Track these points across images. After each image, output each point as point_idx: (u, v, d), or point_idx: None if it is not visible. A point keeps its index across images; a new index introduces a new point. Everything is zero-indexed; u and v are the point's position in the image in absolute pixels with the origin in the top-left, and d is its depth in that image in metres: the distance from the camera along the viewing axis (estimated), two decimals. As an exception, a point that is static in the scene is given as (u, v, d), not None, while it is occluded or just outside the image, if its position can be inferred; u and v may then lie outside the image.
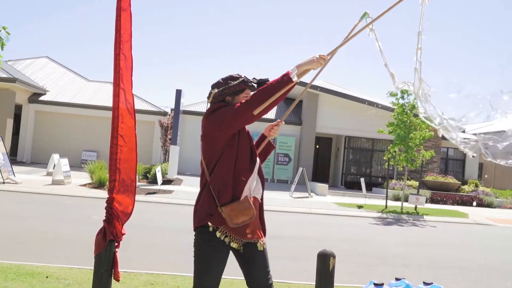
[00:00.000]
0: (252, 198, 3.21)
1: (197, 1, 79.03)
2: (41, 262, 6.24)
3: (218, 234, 3.12)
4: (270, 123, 3.63)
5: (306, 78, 3.56)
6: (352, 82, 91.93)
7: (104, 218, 3.75)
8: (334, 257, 3.89)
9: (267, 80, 3.26)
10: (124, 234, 3.83)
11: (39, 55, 32.77)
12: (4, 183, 15.58)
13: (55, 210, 11.76)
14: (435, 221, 15.78)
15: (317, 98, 25.86)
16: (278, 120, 3.58)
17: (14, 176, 16.55)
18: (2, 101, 22.64)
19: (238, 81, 3.23)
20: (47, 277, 5.43)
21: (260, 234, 3.31)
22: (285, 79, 3.03)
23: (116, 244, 3.72)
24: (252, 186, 3.22)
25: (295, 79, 3.03)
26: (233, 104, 3.17)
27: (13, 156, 24.74)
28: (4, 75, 23.09)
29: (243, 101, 3.13)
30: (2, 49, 4.14)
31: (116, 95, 3.70)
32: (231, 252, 3.26)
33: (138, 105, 26.32)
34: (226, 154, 3.14)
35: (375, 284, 4.03)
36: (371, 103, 24.87)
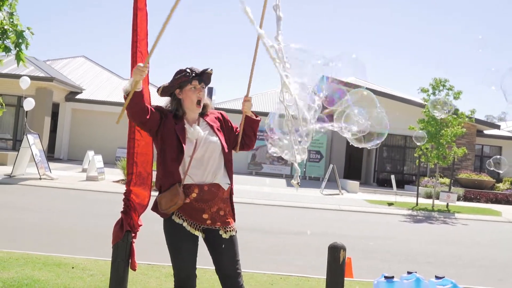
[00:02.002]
0: (207, 185, 3.30)
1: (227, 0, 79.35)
2: (69, 253, 6.48)
3: (174, 217, 3.32)
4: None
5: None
6: (383, 79, 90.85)
7: (122, 209, 3.92)
8: (344, 249, 3.93)
9: (206, 70, 3.39)
10: (141, 225, 3.98)
11: (77, 54, 33.69)
12: (40, 179, 16.09)
13: (86, 205, 12.10)
14: (467, 219, 15.52)
15: (349, 95, 25.72)
16: (244, 95, 3.59)
17: (51, 172, 17.06)
18: (40, 99, 23.28)
19: (182, 74, 3.37)
20: (73, 267, 5.65)
21: (223, 222, 3.34)
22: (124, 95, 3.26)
23: (133, 235, 3.88)
24: (197, 173, 3.30)
25: (123, 94, 3.24)
26: (183, 97, 3.40)
27: (51, 153, 25.48)
28: (42, 74, 23.82)
29: (190, 93, 3.36)
30: (26, 48, 4.34)
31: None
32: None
33: (171, 103, 26.71)
34: (157, 151, 3.43)
35: (386, 277, 4.07)
36: (402, 100, 24.66)
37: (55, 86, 24.66)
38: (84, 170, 19.72)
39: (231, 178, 3.46)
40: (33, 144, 16.52)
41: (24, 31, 4.19)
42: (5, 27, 4.06)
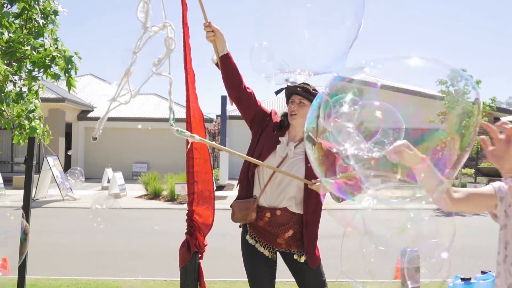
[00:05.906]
0: (280, 209, 3.13)
1: (242, 7, 79.58)
2: (116, 276, 6.41)
3: (247, 237, 3.24)
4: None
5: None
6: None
7: (186, 231, 3.81)
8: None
9: (292, 85, 3.21)
10: (206, 245, 3.87)
11: (83, 73, 33.70)
12: (63, 200, 16.07)
13: (116, 224, 12.01)
14: (497, 208, 15.31)
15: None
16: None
17: (72, 192, 17.05)
18: (53, 120, 23.27)
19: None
20: (126, 291, 5.57)
21: (299, 246, 3.19)
22: None
23: (199, 255, 3.77)
24: (273, 194, 3.16)
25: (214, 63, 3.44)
26: None
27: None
28: (53, 96, 23.85)
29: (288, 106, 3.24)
30: (75, 73, 4.28)
31: (188, 110, 3.75)
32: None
33: (183, 113, 26.68)
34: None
35: (463, 279, 3.94)
36: (418, 94, 24.49)
37: (67, 106, 24.71)
38: (104, 188, 19.70)
39: (316, 209, 3.19)
40: (54, 166, 16.51)
41: (73, 56, 4.13)
42: (54, 54, 3.99)
